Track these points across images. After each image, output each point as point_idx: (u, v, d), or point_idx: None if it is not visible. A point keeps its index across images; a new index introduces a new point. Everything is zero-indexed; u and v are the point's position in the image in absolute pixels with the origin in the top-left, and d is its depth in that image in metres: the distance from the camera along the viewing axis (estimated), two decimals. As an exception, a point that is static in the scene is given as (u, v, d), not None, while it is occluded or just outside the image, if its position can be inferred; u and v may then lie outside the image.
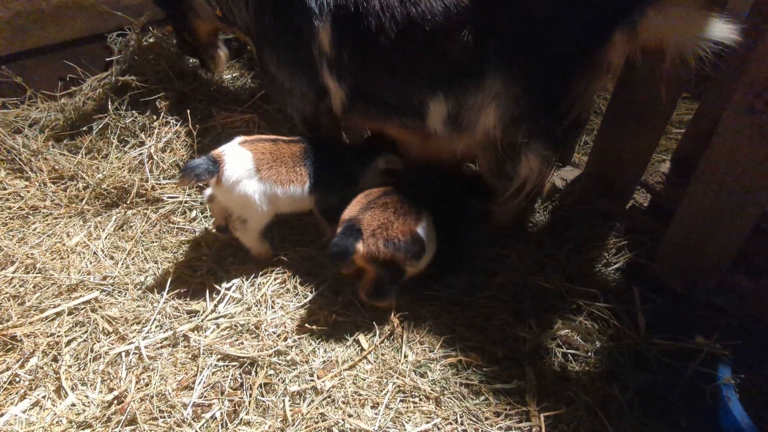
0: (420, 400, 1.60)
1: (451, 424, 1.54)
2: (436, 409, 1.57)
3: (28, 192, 2.26)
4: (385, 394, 1.59)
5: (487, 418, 1.55)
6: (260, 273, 1.97)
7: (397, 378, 1.64)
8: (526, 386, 1.62)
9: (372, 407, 1.58)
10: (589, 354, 1.75)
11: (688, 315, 1.85)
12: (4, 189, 2.27)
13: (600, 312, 1.85)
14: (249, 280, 1.94)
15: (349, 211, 1.74)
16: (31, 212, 2.21)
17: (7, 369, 1.64)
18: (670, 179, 2.04)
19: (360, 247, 1.64)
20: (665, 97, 1.75)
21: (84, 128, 2.49)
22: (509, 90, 1.71)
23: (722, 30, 1.42)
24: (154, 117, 2.45)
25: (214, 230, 2.09)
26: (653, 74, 1.89)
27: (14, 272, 1.93)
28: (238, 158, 1.81)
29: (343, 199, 1.85)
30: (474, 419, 1.55)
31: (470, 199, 2.07)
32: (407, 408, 1.58)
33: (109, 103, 2.50)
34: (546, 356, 1.75)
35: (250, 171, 1.82)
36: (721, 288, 1.85)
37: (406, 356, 1.72)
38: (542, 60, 1.66)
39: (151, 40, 2.72)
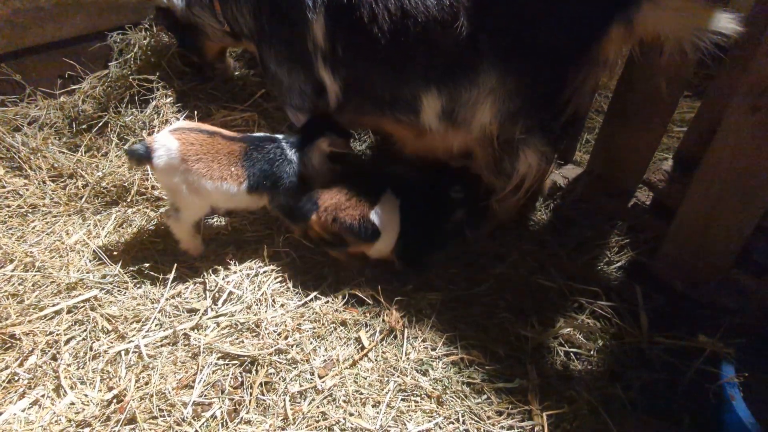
0: (421, 398, 1.59)
1: (452, 423, 1.53)
2: (437, 407, 1.56)
3: (27, 190, 2.25)
4: (387, 393, 1.59)
5: (489, 417, 1.54)
6: (261, 272, 1.97)
7: (399, 376, 1.63)
8: (529, 385, 1.62)
9: (373, 406, 1.57)
10: (592, 353, 1.74)
11: (691, 313, 1.84)
12: (3, 187, 2.25)
13: (602, 311, 1.84)
14: (249, 278, 1.93)
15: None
16: (30, 210, 2.20)
17: (6, 368, 1.63)
18: (672, 177, 2.04)
19: (314, 217, 1.87)
20: (665, 92, 1.74)
21: (83, 126, 2.48)
22: (505, 85, 1.70)
23: (721, 20, 1.41)
24: (154, 115, 2.44)
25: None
26: (654, 72, 1.89)
27: (13, 270, 1.92)
28: (165, 146, 1.79)
29: (297, 194, 1.95)
30: (476, 418, 1.54)
31: (450, 187, 2.08)
32: (409, 407, 1.57)
33: (109, 101, 2.48)
34: (548, 355, 1.74)
35: (174, 159, 1.80)
36: (723, 286, 1.84)
37: (407, 354, 1.71)
38: (537, 55, 1.65)
39: (152, 38, 2.70)
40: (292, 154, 1.99)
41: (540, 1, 1.60)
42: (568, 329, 1.80)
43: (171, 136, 1.82)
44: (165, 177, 1.85)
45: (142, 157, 1.79)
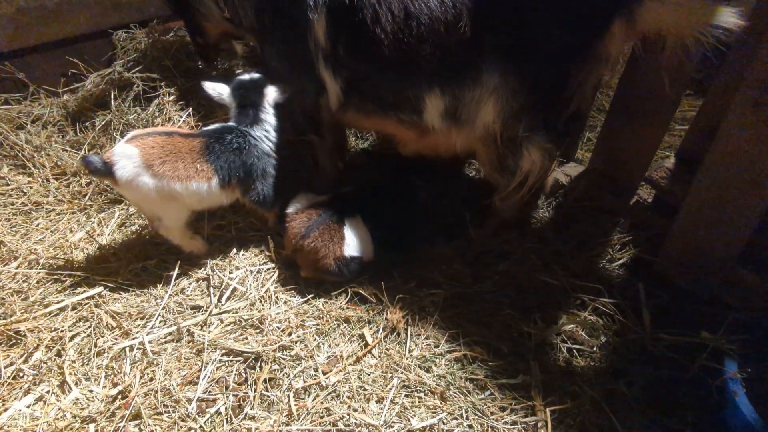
0: (425, 394, 1.60)
1: (456, 419, 1.53)
2: (441, 403, 1.57)
3: (31, 188, 2.26)
4: (390, 389, 1.59)
5: (492, 413, 1.55)
6: (264, 269, 1.97)
7: (402, 373, 1.64)
8: (532, 381, 1.62)
9: (377, 402, 1.57)
10: (594, 349, 1.75)
11: (694, 310, 1.84)
12: (7, 185, 2.26)
13: (605, 307, 1.85)
14: (252, 275, 1.94)
15: (289, 241, 1.93)
16: (34, 208, 2.21)
17: (11, 364, 1.63)
18: (674, 175, 2.04)
19: (302, 273, 1.94)
20: (668, 88, 1.75)
21: (87, 124, 2.49)
22: (507, 84, 1.70)
23: (723, 14, 1.41)
24: (157, 113, 2.45)
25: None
26: (657, 70, 1.89)
27: (18, 267, 1.93)
28: (125, 156, 1.72)
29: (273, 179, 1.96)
30: (479, 414, 1.54)
31: (413, 178, 2.14)
32: (412, 402, 1.57)
33: (112, 99, 2.49)
34: (551, 351, 1.75)
35: (139, 167, 1.73)
36: (726, 283, 1.84)
37: (410, 351, 1.71)
38: (540, 53, 1.66)
39: (155, 36, 2.71)
40: (255, 134, 1.93)
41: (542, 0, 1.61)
42: (571, 326, 1.80)
43: (128, 145, 1.75)
44: (132, 189, 1.75)
45: (99, 171, 1.72)
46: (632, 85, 2.05)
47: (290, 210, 1.98)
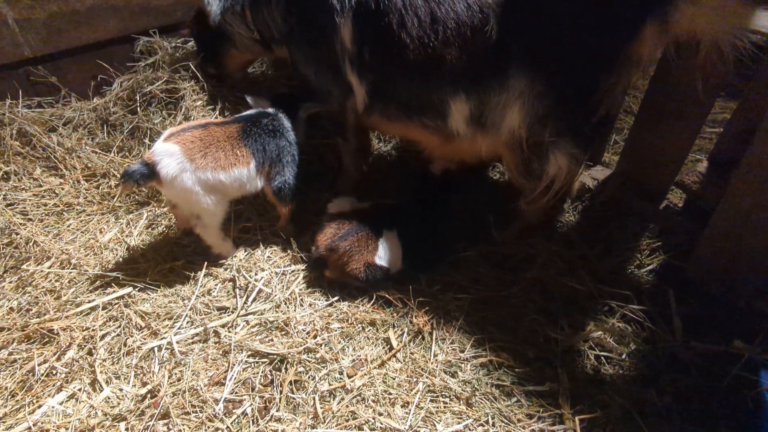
0: (450, 400, 1.59)
1: (482, 425, 1.52)
2: (467, 409, 1.55)
3: (62, 189, 2.31)
4: (416, 394, 1.58)
5: (519, 420, 1.53)
6: (289, 271, 1.98)
7: (427, 377, 1.63)
8: (559, 388, 1.60)
9: (402, 406, 1.57)
10: (623, 357, 1.71)
11: (727, 319, 1.80)
12: (40, 186, 2.32)
13: (633, 314, 1.81)
14: (278, 277, 1.95)
15: (322, 239, 1.93)
16: (66, 209, 2.26)
17: (45, 361, 1.67)
18: (707, 179, 1.99)
19: (327, 273, 1.95)
20: (702, 92, 1.71)
21: (115, 127, 2.53)
22: (534, 88, 1.68)
23: (761, 18, 1.37)
24: (183, 117, 2.48)
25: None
26: (690, 71, 1.85)
27: (50, 267, 1.98)
28: (167, 155, 1.74)
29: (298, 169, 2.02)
30: (506, 421, 1.53)
31: (449, 195, 2.15)
32: (438, 408, 1.56)
33: (138, 103, 2.53)
34: (578, 358, 1.72)
35: (183, 163, 1.75)
36: (762, 291, 1.79)
37: (435, 355, 1.70)
38: (568, 57, 1.63)
39: (182, 41, 2.75)
40: (288, 124, 2.01)
41: (570, 3, 1.59)
42: (599, 332, 1.77)
43: (168, 143, 1.77)
44: (176, 186, 1.77)
45: (144, 176, 1.72)
46: (663, 88, 2.01)
47: (332, 209, 2.01)
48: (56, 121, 2.52)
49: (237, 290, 1.90)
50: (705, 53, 1.52)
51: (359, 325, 1.80)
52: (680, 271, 1.95)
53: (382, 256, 1.90)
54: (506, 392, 1.61)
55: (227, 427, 1.51)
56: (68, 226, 2.19)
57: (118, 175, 2.34)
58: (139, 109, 2.51)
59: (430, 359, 1.69)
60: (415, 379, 1.63)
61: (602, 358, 1.72)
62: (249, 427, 1.52)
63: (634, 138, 2.24)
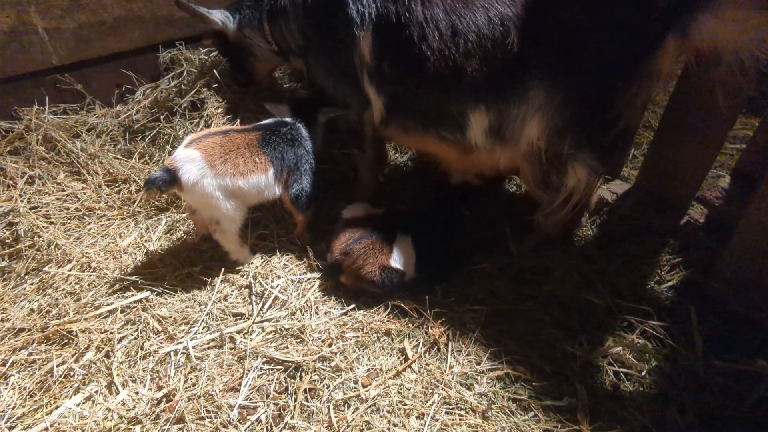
0: (466, 412, 1.56)
1: (499, 439, 1.50)
2: (482, 422, 1.53)
3: (84, 194, 2.36)
4: (431, 405, 1.57)
5: (536, 435, 1.50)
6: (304, 279, 1.99)
7: (443, 389, 1.61)
8: (578, 404, 1.57)
9: (417, 417, 1.55)
10: (643, 374, 1.68)
11: (750, 337, 1.76)
12: (63, 190, 2.36)
13: (654, 330, 1.78)
14: (293, 284, 1.96)
15: (338, 245, 1.94)
16: (87, 213, 2.30)
17: (63, 363, 1.69)
18: (730, 194, 1.96)
19: (342, 279, 1.95)
20: (723, 106, 1.69)
21: (137, 134, 2.58)
22: (554, 100, 1.68)
23: None
24: (204, 125, 2.52)
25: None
26: (711, 86, 1.83)
27: (71, 270, 2.00)
28: (188, 160, 1.77)
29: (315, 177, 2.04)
30: (523, 435, 1.50)
31: (466, 206, 2.18)
32: (453, 420, 1.54)
33: (160, 111, 2.58)
34: (597, 374, 1.69)
35: (203, 169, 1.78)
36: (786, 310, 1.75)
37: (451, 367, 1.69)
38: (588, 70, 1.63)
39: (204, 52, 2.80)
40: (306, 133, 2.04)
41: (590, 15, 1.59)
42: (618, 348, 1.74)
43: (189, 149, 1.80)
44: (197, 192, 1.79)
45: (166, 182, 1.75)
46: (684, 102, 1.99)
47: (346, 215, 2.03)
48: (80, 128, 2.58)
49: (253, 297, 1.91)
50: (726, 66, 1.51)
51: (374, 335, 1.79)
52: (701, 287, 1.91)
53: (396, 258, 1.90)
54: (523, 406, 1.58)
55: (241, 433, 1.50)
56: (89, 230, 2.22)
57: (139, 181, 2.38)
58: (161, 117, 2.56)
59: (445, 371, 1.67)
60: (430, 391, 1.61)
61: (621, 374, 1.68)
62: (263, 434, 1.51)
63: (653, 152, 2.22)
